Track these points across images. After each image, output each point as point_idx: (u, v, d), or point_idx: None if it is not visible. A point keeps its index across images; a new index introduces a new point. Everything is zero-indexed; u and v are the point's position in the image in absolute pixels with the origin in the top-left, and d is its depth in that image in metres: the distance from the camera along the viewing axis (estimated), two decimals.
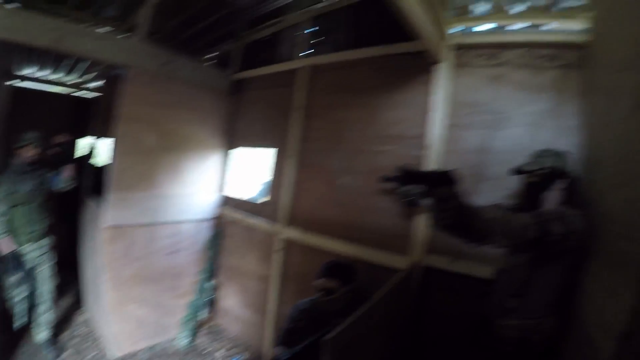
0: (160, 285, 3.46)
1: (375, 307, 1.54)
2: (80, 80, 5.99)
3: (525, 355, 1.54)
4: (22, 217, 2.85)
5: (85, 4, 3.52)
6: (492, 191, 2.10)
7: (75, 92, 6.08)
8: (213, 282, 3.71)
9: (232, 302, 3.72)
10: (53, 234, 3.15)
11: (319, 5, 3.21)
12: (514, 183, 1.83)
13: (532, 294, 1.56)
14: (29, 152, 2.90)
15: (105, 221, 2.99)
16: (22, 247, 2.86)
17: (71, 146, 4.76)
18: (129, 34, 3.80)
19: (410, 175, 1.28)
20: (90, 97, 5.99)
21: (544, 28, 2.25)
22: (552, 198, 1.61)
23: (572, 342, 1.45)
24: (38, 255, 2.97)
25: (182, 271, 3.61)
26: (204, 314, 3.60)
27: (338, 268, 2.23)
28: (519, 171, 1.75)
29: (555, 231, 1.34)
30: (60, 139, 3.23)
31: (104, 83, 4.17)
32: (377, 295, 1.64)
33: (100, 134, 4.10)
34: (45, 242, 3.04)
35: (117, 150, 3.02)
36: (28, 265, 2.91)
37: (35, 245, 2.94)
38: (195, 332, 3.62)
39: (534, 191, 1.66)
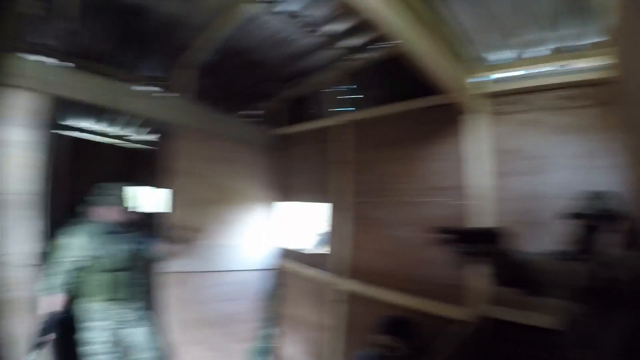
0: (221, 329, 3.56)
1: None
2: (132, 133, 6.42)
3: None
4: (109, 284, 2.47)
5: (134, 66, 3.87)
6: (543, 237, 2.03)
7: (129, 144, 6.44)
8: (273, 330, 3.78)
9: (293, 351, 3.77)
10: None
11: (355, 62, 3.29)
12: (565, 228, 1.74)
13: (603, 344, 1.46)
14: (117, 213, 2.55)
15: (170, 267, 3.13)
16: (107, 312, 2.49)
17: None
18: (177, 94, 4.13)
19: (461, 235, 1.29)
20: (142, 149, 6.41)
21: (571, 68, 2.21)
22: (608, 241, 1.52)
23: None
24: (122, 321, 2.56)
25: (242, 318, 3.70)
26: None
27: (398, 325, 2.21)
28: (570, 216, 1.67)
29: (619, 277, 1.28)
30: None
31: (156, 138, 4.42)
32: (439, 348, 1.63)
33: (154, 185, 4.34)
34: (134, 306, 2.64)
35: (175, 202, 3.18)
36: (112, 329, 2.53)
37: (119, 311, 2.54)
38: None
39: (588, 235, 1.57)
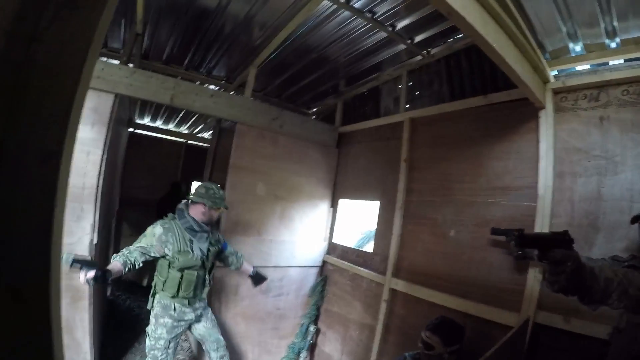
0: (264, 325, 3.62)
1: None
2: (191, 130, 6.74)
3: None
4: (191, 281, 2.53)
5: (197, 65, 4.04)
6: (608, 242, 1.93)
7: (187, 140, 6.83)
8: (315, 326, 3.78)
9: (333, 348, 3.75)
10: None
11: (416, 59, 3.29)
12: (634, 233, 1.67)
13: None
14: (208, 213, 2.60)
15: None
16: (182, 309, 2.57)
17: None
18: (237, 92, 4.26)
19: (525, 238, 1.28)
20: (201, 145, 6.70)
21: None
22: None
23: None
24: (193, 317, 2.66)
25: (286, 313, 3.75)
26: (303, 357, 3.66)
27: (444, 326, 2.18)
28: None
29: None
30: None
31: (216, 134, 4.59)
32: (488, 353, 1.51)
33: (211, 181, 4.50)
34: (202, 303, 2.74)
35: (228, 198, 3.22)
36: (183, 327, 2.63)
37: (193, 307, 2.63)
38: None
39: None
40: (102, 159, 2.60)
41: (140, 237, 2.48)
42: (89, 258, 2.26)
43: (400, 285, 3.04)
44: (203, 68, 4.09)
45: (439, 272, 2.79)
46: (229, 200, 3.26)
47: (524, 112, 2.38)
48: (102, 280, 2.06)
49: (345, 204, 4.16)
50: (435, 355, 2.11)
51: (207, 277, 2.67)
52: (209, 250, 2.64)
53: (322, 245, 4.02)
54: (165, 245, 2.45)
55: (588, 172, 2.09)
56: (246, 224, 3.39)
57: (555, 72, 2.33)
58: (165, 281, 2.49)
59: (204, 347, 2.81)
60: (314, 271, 3.99)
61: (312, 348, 3.92)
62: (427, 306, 2.75)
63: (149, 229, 2.50)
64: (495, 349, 1.53)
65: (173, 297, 2.49)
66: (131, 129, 5.97)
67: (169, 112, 5.75)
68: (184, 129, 6.73)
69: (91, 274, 2.00)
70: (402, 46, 3.11)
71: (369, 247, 3.67)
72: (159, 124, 6.45)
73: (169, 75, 3.23)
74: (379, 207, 3.50)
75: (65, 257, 1.97)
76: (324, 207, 4.04)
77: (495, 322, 2.30)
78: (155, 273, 2.57)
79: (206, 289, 2.71)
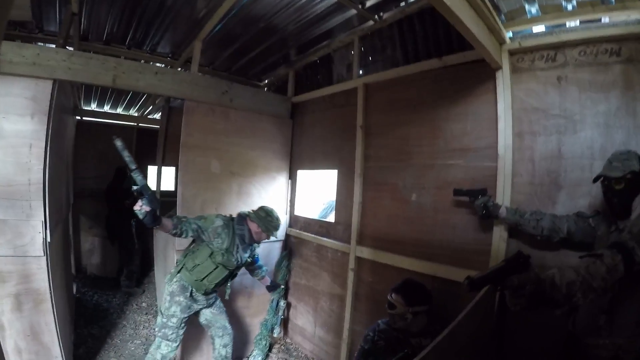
0: (233, 305, 3.56)
1: (459, 328, 1.44)
2: (141, 112, 6.42)
3: None
4: (219, 277, 2.67)
5: (140, 42, 3.80)
6: (571, 199, 1.99)
7: (137, 124, 6.49)
8: (285, 301, 3.75)
9: (306, 321, 3.78)
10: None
11: (368, 24, 3.19)
12: (597, 189, 1.72)
13: (623, 311, 1.45)
14: (262, 237, 2.78)
15: (177, 245, 3.12)
16: (197, 294, 2.69)
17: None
18: (184, 68, 4.06)
19: (476, 283, 1.25)
20: (153, 128, 6.39)
21: (603, 21, 2.06)
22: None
23: None
24: (205, 304, 2.80)
25: (254, 291, 3.71)
26: (277, 333, 3.65)
27: (406, 287, 2.23)
28: (603, 178, 1.63)
29: None
30: None
31: (166, 114, 4.38)
32: (460, 316, 1.52)
33: (164, 162, 4.35)
34: (215, 294, 2.88)
35: (182, 179, 3.17)
36: (194, 310, 2.75)
37: (206, 296, 2.77)
38: (268, 351, 3.71)
39: (622, 198, 1.55)
40: (45, 151, 2.41)
41: (201, 216, 2.65)
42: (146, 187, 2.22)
43: (365, 252, 3.05)
44: (146, 45, 3.86)
45: (403, 237, 2.81)
46: (183, 180, 3.17)
47: (480, 74, 2.37)
48: (150, 221, 2.22)
49: (303, 175, 4.10)
50: (398, 314, 2.14)
51: (229, 279, 2.84)
52: (246, 260, 2.83)
53: (284, 219, 3.97)
54: (216, 238, 2.59)
55: (547, 131, 2.11)
56: (202, 203, 3.28)
57: (511, 34, 2.32)
58: (198, 265, 2.61)
59: (209, 333, 2.95)
60: (278, 245, 3.95)
61: (284, 322, 3.94)
62: (394, 272, 2.77)
63: (212, 216, 2.67)
64: (466, 312, 1.54)
65: (196, 280, 2.61)
66: (78, 117, 5.63)
67: (116, 95, 5.42)
68: (133, 112, 6.40)
69: (147, 208, 2.18)
70: (352, 11, 3.00)
71: (332, 218, 3.65)
72: (106, 109, 6.09)
73: (112, 56, 3.01)
74: (338, 176, 3.47)
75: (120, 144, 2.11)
76: (282, 180, 3.97)
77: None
78: (189, 253, 2.70)
79: (226, 289, 2.91)
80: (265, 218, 2.71)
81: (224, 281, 2.74)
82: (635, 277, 1.33)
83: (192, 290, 2.63)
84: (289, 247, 3.99)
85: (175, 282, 2.64)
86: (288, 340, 4.02)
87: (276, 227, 2.75)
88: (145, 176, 2.25)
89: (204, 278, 2.61)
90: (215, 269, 2.61)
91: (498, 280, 1.23)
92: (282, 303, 3.60)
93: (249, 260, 2.87)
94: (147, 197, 2.19)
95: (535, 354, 2.04)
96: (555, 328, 1.82)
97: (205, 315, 2.84)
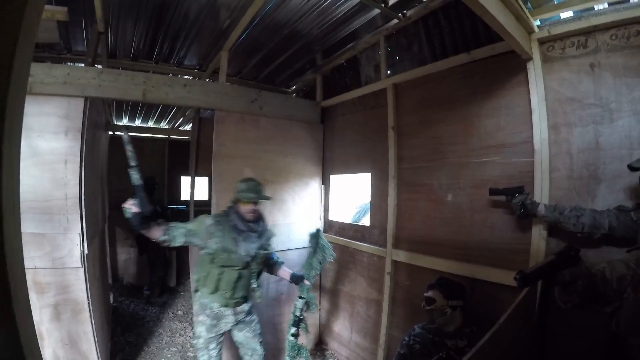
0: (273, 311, 3.59)
1: (501, 331, 1.42)
2: (172, 125, 6.60)
3: None
4: (230, 281, 2.45)
5: (167, 56, 3.88)
6: (611, 192, 1.90)
7: (169, 136, 6.65)
8: (302, 300, 3.67)
9: (342, 327, 3.75)
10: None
11: (392, 23, 3.15)
12: (635, 181, 1.65)
13: None
14: (252, 211, 2.51)
15: None
16: (221, 309, 2.52)
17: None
18: (212, 79, 4.13)
19: (529, 278, 1.18)
20: (184, 139, 6.54)
21: (632, 2, 1.96)
22: None
23: None
24: (234, 321, 2.60)
25: (291, 298, 3.66)
26: (290, 333, 3.59)
27: (442, 281, 2.22)
28: (634, 168, 1.57)
29: None
30: None
31: (196, 125, 4.45)
32: (502, 319, 1.51)
33: (197, 173, 4.40)
34: (247, 307, 2.67)
35: (216, 187, 3.21)
36: (223, 329, 2.58)
37: (233, 310, 2.57)
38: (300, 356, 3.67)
39: None
40: (80, 167, 2.52)
41: (190, 220, 2.52)
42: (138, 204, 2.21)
43: (402, 256, 3.00)
44: (173, 59, 3.96)
45: (440, 239, 2.75)
46: (217, 189, 3.21)
47: (510, 66, 2.30)
48: (137, 223, 2.18)
49: (336, 180, 4.09)
50: (437, 308, 2.12)
51: (253, 279, 2.58)
52: (257, 252, 2.54)
53: (319, 224, 3.97)
54: (211, 237, 2.40)
55: (583, 121, 2.02)
56: None
57: (539, 22, 2.23)
58: (205, 276, 2.47)
59: (239, 351, 2.75)
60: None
61: (322, 328, 3.91)
62: (431, 274, 2.69)
63: (201, 217, 2.49)
64: (508, 314, 1.51)
65: (212, 293, 2.45)
66: (111, 132, 5.81)
67: (146, 109, 5.60)
68: (164, 125, 6.58)
69: (135, 209, 2.15)
70: (376, 11, 2.96)
71: (366, 221, 3.61)
72: (138, 122, 6.29)
73: (140, 71, 3.11)
74: (371, 179, 3.43)
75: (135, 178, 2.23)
76: (315, 185, 3.97)
77: (502, 284, 2.25)
78: (198, 269, 2.56)
79: (255, 292, 2.63)
80: (240, 188, 2.46)
81: (242, 285, 2.50)
82: None
83: (212, 306, 2.49)
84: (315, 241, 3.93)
85: (196, 301, 2.58)
86: (324, 346, 4.00)
87: (247, 189, 2.45)
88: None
89: (216, 288, 2.44)
90: (222, 273, 2.42)
91: (550, 274, 1.16)
92: (298, 302, 3.42)
93: (264, 252, 2.61)
94: (139, 198, 2.18)
95: (577, 356, 1.95)
96: (597, 329, 1.70)
97: (237, 337, 2.68)
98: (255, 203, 2.49)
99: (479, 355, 1.21)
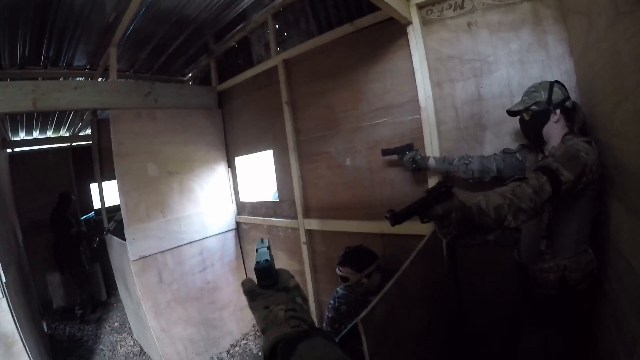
0: (201, 302, 3.57)
1: (405, 276, 1.47)
2: (72, 131, 6.16)
3: (569, 294, 1.50)
4: None
5: (55, 59, 3.63)
6: (497, 137, 2.08)
7: (71, 143, 6.27)
8: None
9: None
10: None
11: (279, 0, 3.17)
12: (516, 124, 1.79)
13: (561, 234, 1.51)
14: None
15: (131, 255, 3.08)
16: None
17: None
18: (104, 77, 3.92)
19: (399, 216, 1.21)
20: (87, 144, 6.17)
21: None
22: (553, 131, 1.57)
23: (613, 273, 1.39)
24: None
25: (217, 285, 3.73)
26: None
27: (349, 255, 2.26)
28: (510, 113, 1.71)
29: (567, 177, 1.28)
30: None
31: (95, 128, 4.24)
32: (405, 265, 1.55)
33: (104, 177, 4.22)
34: None
35: (122, 188, 3.10)
36: None
37: None
38: None
39: (534, 128, 1.62)
40: None
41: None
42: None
43: (313, 224, 3.10)
44: (62, 61, 3.68)
45: (345, 202, 2.87)
46: (123, 190, 3.10)
47: (392, 31, 2.41)
48: None
49: (243, 161, 4.10)
50: (354, 284, 2.19)
51: None
52: None
53: (231, 208, 4.00)
54: None
55: (464, 76, 2.18)
56: (147, 208, 3.24)
57: None
58: None
59: None
60: (231, 235, 3.98)
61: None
62: (345, 237, 2.84)
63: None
64: (412, 259, 1.57)
65: None
66: (9, 150, 5.37)
67: (42, 118, 5.19)
68: (64, 132, 6.13)
69: None
70: None
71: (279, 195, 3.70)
72: (36, 134, 5.82)
73: (30, 79, 2.91)
74: (274, 155, 3.49)
75: None
76: (221, 169, 3.97)
77: (410, 234, 2.37)
78: None
79: None
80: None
81: None
82: (567, 199, 1.40)
83: None
84: (241, 234, 4.00)
85: None
86: None
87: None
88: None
89: None
90: None
91: (422, 211, 1.22)
92: None
93: None
94: None
95: (490, 289, 2.15)
96: (505, 262, 1.90)
97: None
98: None
99: (386, 302, 1.26)
